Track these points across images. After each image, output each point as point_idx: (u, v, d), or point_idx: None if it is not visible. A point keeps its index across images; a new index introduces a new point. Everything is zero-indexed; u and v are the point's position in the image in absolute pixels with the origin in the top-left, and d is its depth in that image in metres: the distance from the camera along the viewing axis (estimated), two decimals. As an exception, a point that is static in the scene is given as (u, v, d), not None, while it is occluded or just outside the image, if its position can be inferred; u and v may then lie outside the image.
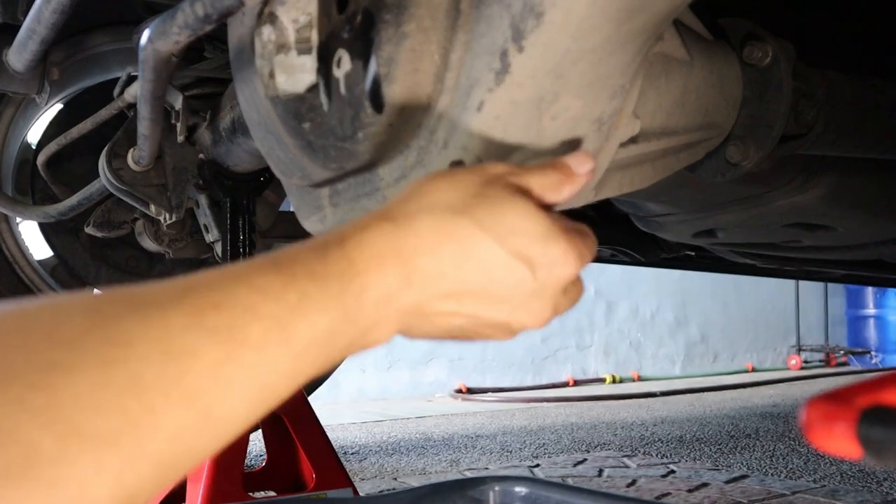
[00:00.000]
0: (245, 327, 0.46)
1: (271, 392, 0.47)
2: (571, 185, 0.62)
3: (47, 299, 0.44)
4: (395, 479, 2.01)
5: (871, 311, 7.18)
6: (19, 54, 1.21)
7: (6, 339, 0.39)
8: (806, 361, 6.90)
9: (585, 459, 2.19)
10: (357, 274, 0.52)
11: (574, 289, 0.60)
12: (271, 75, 0.77)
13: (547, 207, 0.61)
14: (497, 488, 0.76)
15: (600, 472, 2.00)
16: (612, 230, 1.90)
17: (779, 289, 6.76)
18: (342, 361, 0.53)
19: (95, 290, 1.83)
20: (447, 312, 0.57)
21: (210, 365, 0.44)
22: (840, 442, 0.44)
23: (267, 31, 0.76)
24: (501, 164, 0.61)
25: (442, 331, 0.59)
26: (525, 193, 0.58)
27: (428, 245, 0.55)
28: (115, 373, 0.40)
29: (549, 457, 2.27)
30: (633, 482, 1.84)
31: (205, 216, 1.49)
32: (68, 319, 0.41)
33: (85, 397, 0.38)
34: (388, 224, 0.55)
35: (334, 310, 0.50)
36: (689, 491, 1.74)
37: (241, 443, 1.35)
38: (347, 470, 1.32)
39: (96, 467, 0.38)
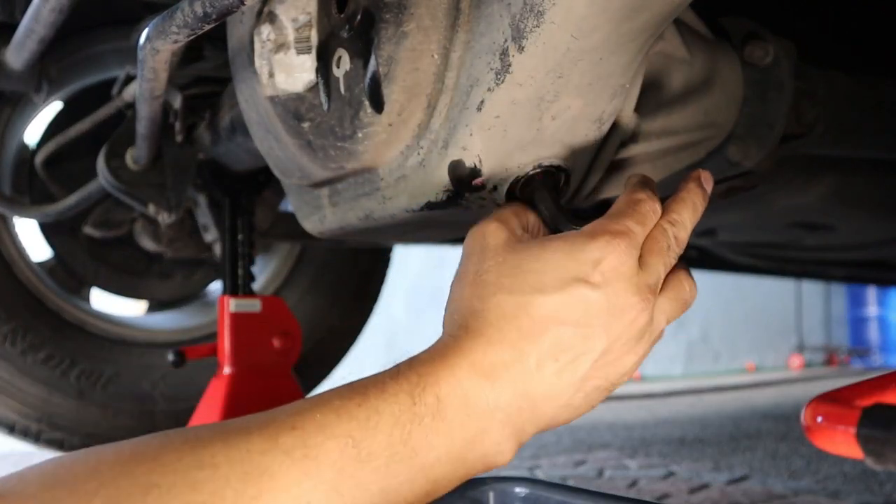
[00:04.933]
0: (320, 446, 0.48)
1: None
2: None
3: (163, 433, 0.50)
4: (396, 479, 2.00)
5: (873, 310, 7.18)
6: (17, 53, 1.21)
7: (123, 466, 0.45)
8: (808, 361, 6.89)
9: (586, 460, 2.19)
10: (427, 387, 0.52)
11: (631, 248, 0.57)
12: (270, 74, 0.77)
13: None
14: (497, 489, 0.76)
15: (601, 472, 2.00)
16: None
17: (780, 288, 6.76)
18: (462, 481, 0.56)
19: (94, 289, 1.83)
20: (552, 377, 0.55)
21: (287, 484, 0.47)
22: (841, 442, 0.43)
23: (266, 31, 0.76)
24: (497, 214, 0.62)
25: (578, 399, 0.57)
26: (520, 238, 0.60)
27: (489, 340, 0.55)
28: (201, 494, 0.45)
29: (549, 457, 2.27)
30: (634, 483, 1.84)
31: (204, 216, 1.49)
32: (170, 445, 0.47)
33: None
34: (449, 338, 0.56)
35: (408, 422, 0.51)
36: (691, 492, 1.74)
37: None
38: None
39: None
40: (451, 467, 0.53)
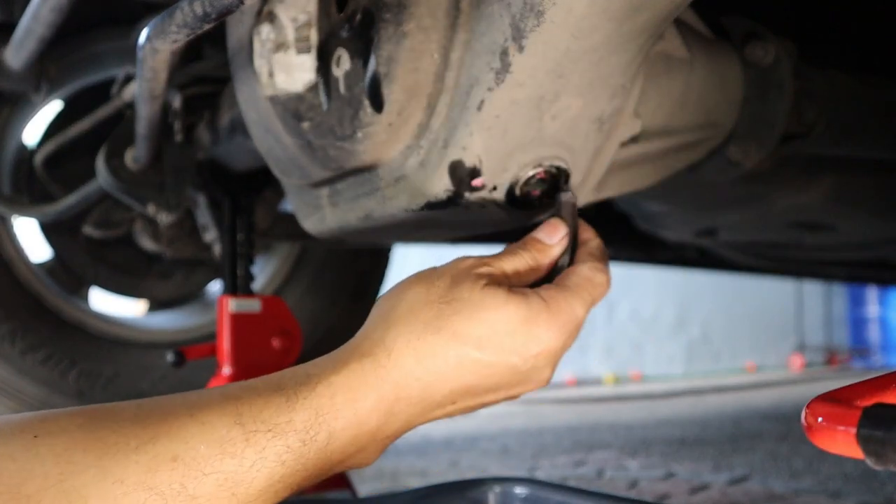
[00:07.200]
0: (198, 483, 0.48)
1: None
2: (547, 258, 0.63)
3: (26, 441, 0.45)
4: (395, 480, 2.00)
5: (873, 310, 7.18)
6: (17, 53, 1.21)
7: None
8: (808, 362, 6.89)
9: (586, 461, 2.19)
10: (323, 425, 0.52)
11: (572, 336, 0.61)
12: (270, 74, 0.77)
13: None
14: (497, 490, 0.75)
15: (601, 473, 1.99)
16: (612, 230, 1.90)
17: (780, 288, 6.76)
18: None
19: (94, 289, 1.83)
20: (444, 413, 0.59)
21: None
22: (842, 442, 0.43)
23: (266, 30, 0.76)
24: (469, 257, 0.61)
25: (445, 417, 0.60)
26: (497, 280, 0.59)
27: (410, 374, 0.55)
28: None
29: (549, 458, 2.26)
30: (634, 483, 1.84)
31: (203, 216, 1.49)
32: (36, 472, 0.44)
33: None
34: (367, 361, 0.55)
35: (293, 462, 0.51)
36: (691, 492, 1.74)
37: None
38: (347, 471, 1.32)
39: None
40: (315, 475, 0.54)
